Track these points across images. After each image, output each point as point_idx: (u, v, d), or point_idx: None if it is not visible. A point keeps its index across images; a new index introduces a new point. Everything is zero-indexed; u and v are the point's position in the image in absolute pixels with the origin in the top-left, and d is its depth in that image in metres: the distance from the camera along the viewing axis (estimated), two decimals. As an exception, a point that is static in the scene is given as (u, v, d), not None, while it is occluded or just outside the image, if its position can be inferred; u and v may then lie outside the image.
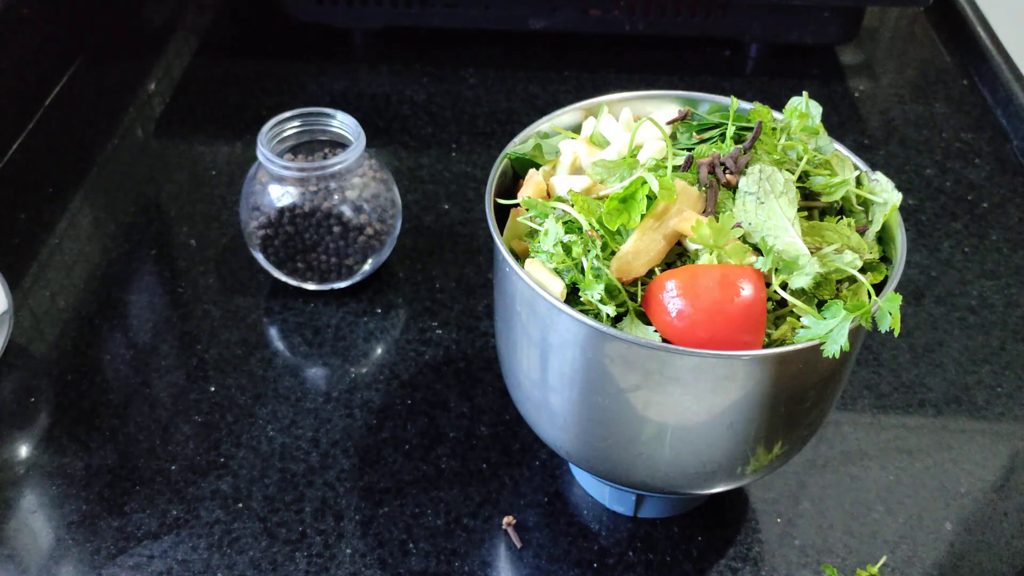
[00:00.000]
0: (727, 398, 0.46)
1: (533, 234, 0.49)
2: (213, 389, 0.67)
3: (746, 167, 0.48)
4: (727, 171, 0.48)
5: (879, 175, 0.51)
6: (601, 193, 0.49)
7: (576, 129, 0.57)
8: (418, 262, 0.77)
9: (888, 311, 0.44)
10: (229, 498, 0.60)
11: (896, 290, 0.46)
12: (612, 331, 0.44)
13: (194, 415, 0.65)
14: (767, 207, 0.47)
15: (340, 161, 0.68)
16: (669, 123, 0.55)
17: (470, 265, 0.77)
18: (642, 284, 0.47)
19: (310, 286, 0.74)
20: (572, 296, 0.47)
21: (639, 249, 0.46)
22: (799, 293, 0.46)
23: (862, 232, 0.49)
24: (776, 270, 0.45)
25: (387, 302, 0.74)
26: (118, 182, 0.85)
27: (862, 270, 0.48)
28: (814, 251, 0.46)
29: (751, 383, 0.46)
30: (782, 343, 0.45)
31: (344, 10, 1.00)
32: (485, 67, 1.01)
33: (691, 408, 0.47)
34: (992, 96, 0.98)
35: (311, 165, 0.68)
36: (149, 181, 0.85)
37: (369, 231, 0.71)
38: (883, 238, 0.50)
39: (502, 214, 0.52)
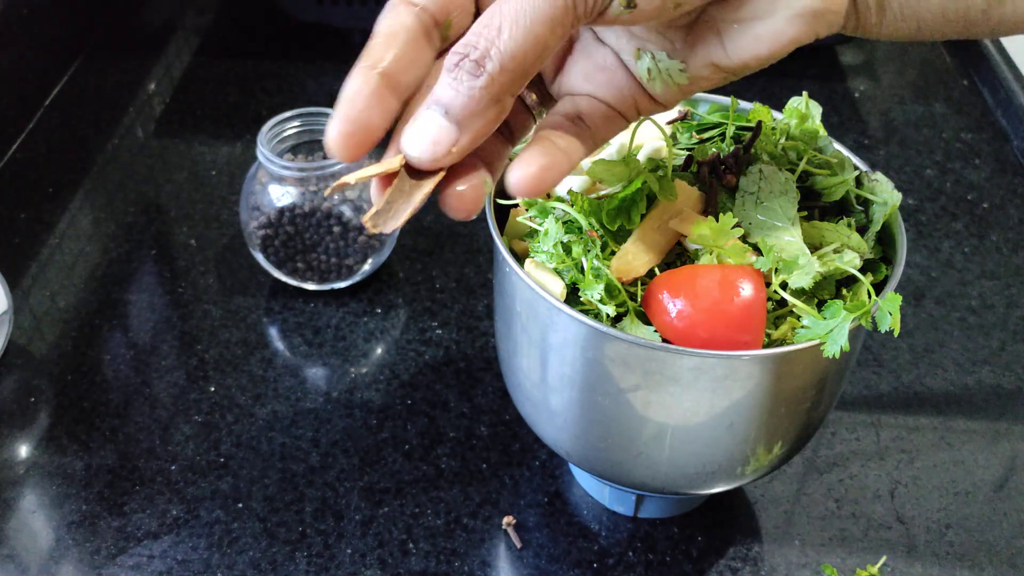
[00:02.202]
0: (727, 398, 0.46)
1: (533, 234, 0.49)
2: (213, 389, 0.67)
3: (746, 167, 0.48)
4: (727, 171, 0.48)
5: (879, 175, 0.51)
6: (601, 193, 0.49)
7: (576, 129, 0.57)
8: (418, 262, 0.77)
9: (888, 311, 0.44)
10: (229, 498, 0.60)
11: (896, 290, 0.45)
12: (612, 331, 0.44)
13: (194, 415, 0.65)
14: (767, 207, 0.47)
15: (340, 161, 0.68)
16: (669, 123, 0.55)
17: (470, 265, 0.77)
18: (642, 284, 0.47)
19: (310, 286, 0.74)
20: (572, 296, 0.47)
21: (639, 249, 0.46)
22: (799, 293, 0.46)
23: (862, 232, 0.49)
24: (776, 270, 0.45)
25: (387, 302, 0.74)
26: (118, 182, 0.85)
27: (862, 270, 0.48)
28: (814, 251, 0.46)
29: (751, 383, 0.46)
30: (782, 343, 0.45)
31: (344, 10, 1.00)
32: (485, 67, 1.00)
33: (691, 408, 0.47)
34: (992, 96, 0.98)
35: (311, 165, 0.68)
36: (149, 181, 0.85)
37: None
38: (883, 238, 0.50)
39: (502, 214, 0.52)
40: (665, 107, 0.40)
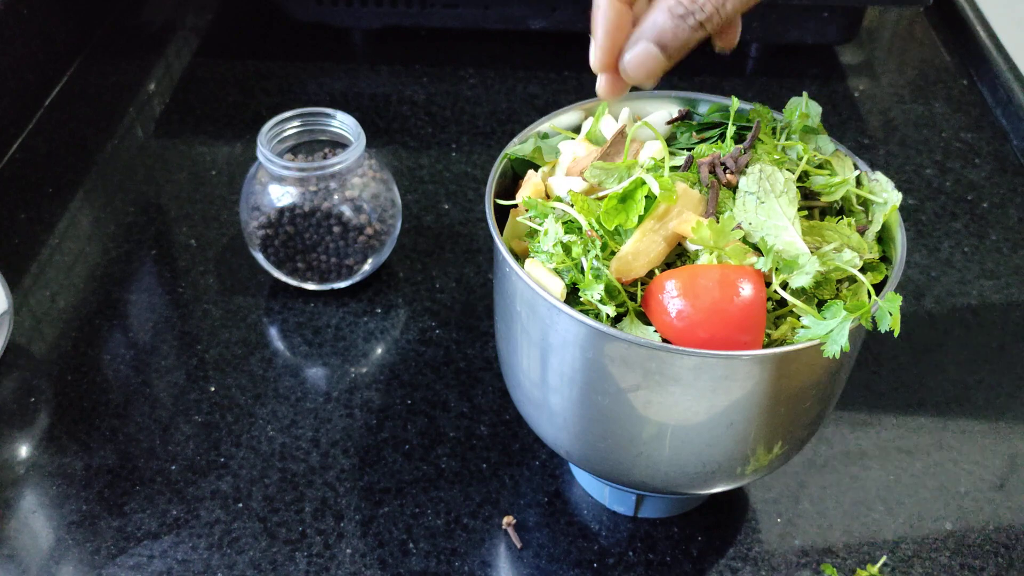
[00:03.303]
0: (727, 398, 0.46)
1: (533, 234, 0.49)
2: (213, 389, 0.67)
3: (746, 167, 0.48)
4: (727, 171, 0.48)
5: (879, 175, 0.51)
6: (601, 194, 0.49)
7: (576, 129, 0.57)
8: (418, 262, 0.77)
9: (888, 311, 0.44)
10: (229, 498, 0.60)
11: (896, 290, 0.45)
12: (612, 331, 0.44)
13: (194, 415, 0.65)
14: (767, 207, 0.47)
15: (340, 161, 0.68)
16: (669, 123, 0.55)
17: (470, 265, 0.77)
18: (642, 284, 0.47)
19: (310, 286, 0.74)
20: (572, 296, 0.47)
21: (639, 250, 0.46)
22: (799, 293, 0.46)
23: (862, 232, 0.49)
24: (776, 270, 0.45)
25: (387, 302, 0.74)
26: (118, 182, 0.85)
27: (862, 270, 0.48)
28: (814, 250, 0.46)
29: (751, 383, 0.46)
30: (782, 343, 0.45)
31: (344, 10, 1.00)
32: (485, 67, 1.01)
33: (691, 408, 0.47)
34: (992, 96, 0.98)
35: (311, 165, 0.68)
36: (149, 181, 0.85)
37: (369, 231, 0.71)
38: (883, 238, 0.50)
39: (502, 214, 0.52)
40: None
